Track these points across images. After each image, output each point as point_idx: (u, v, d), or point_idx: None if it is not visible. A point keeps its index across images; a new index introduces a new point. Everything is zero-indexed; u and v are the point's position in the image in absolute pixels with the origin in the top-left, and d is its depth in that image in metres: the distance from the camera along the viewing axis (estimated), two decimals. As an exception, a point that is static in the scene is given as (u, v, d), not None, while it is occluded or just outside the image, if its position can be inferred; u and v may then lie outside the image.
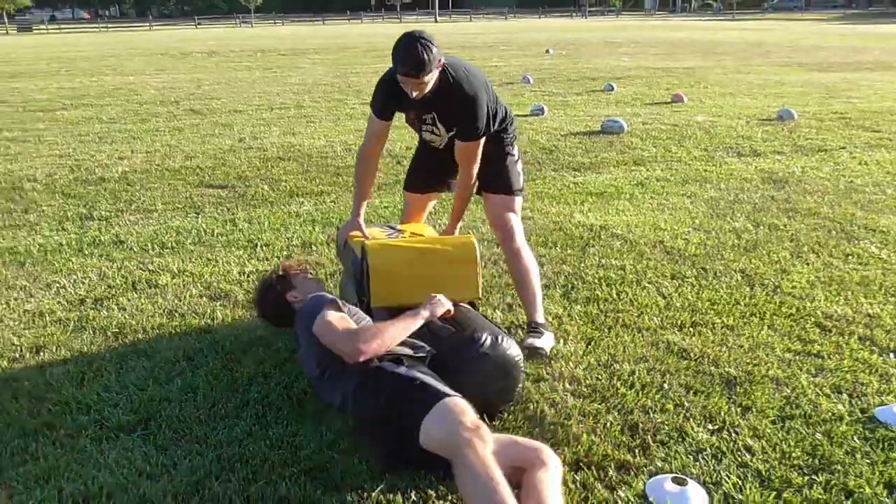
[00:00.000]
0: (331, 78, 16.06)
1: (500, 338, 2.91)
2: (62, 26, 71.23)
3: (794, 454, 2.64)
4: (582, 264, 4.57)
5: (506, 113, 3.62)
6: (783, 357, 3.37)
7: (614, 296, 4.08)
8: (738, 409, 2.95)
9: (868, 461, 2.59)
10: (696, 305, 3.96)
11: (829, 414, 2.89)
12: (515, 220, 3.64)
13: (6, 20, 66.88)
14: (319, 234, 5.24)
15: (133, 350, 3.46)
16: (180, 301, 4.08)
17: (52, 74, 18.60)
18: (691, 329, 3.67)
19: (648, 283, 4.28)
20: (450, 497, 2.38)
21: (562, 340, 3.55)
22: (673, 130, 9.29)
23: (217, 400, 3.01)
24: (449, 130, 3.43)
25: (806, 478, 2.51)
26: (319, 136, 9.03)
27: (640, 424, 2.84)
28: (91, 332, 3.71)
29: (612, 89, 13.49)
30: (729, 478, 2.51)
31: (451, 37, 33.83)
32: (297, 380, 3.14)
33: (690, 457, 2.64)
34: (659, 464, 2.60)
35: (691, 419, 2.88)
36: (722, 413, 2.92)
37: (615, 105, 11.70)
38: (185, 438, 2.72)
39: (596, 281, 4.30)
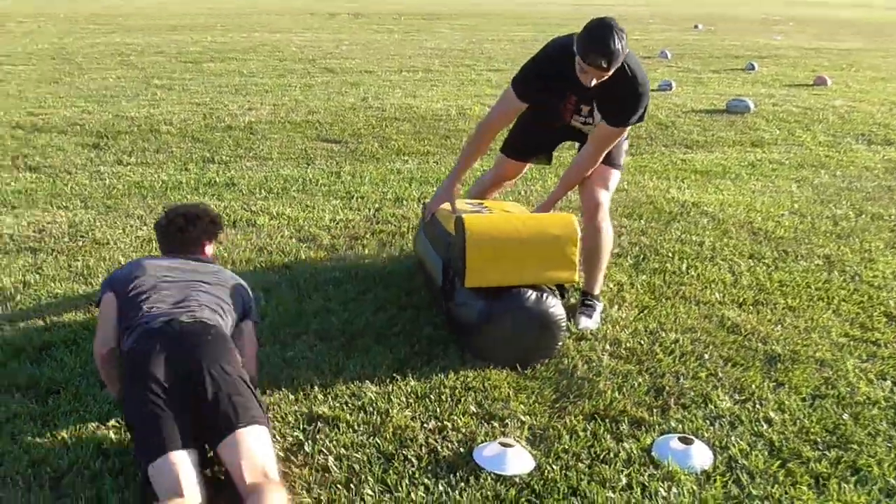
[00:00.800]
0: (465, 44, 16.21)
1: (544, 295, 3.03)
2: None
3: (812, 430, 2.68)
4: (661, 238, 4.60)
5: None
6: (836, 341, 3.35)
7: (683, 269, 4.12)
8: (771, 385, 2.99)
9: (888, 445, 2.58)
10: (763, 285, 3.95)
11: (865, 397, 2.89)
12: (606, 196, 3.54)
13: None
14: (413, 190, 5.47)
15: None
16: (271, 240, 4.43)
17: (208, 29, 19.67)
18: (751, 307, 3.69)
19: (722, 260, 4.29)
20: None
21: (616, 306, 3.64)
22: (804, 114, 8.95)
23: (280, 327, 3.31)
24: (604, 118, 3.31)
25: (817, 453, 2.54)
26: (438, 100, 9.25)
27: (667, 388, 2.93)
28: None
29: (753, 69, 13.02)
30: (738, 443, 2.58)
31: (597, 8, 33.13)
32: (357, 317, 3.39)
33: (707, 421, 2.72)
34: (673, 424, 2.69)
35: (719, 388, 2.94)
36: (752, 386, 2.97)
37: (750, 85, 11.33)
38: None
39: (669, 254, 4.34)
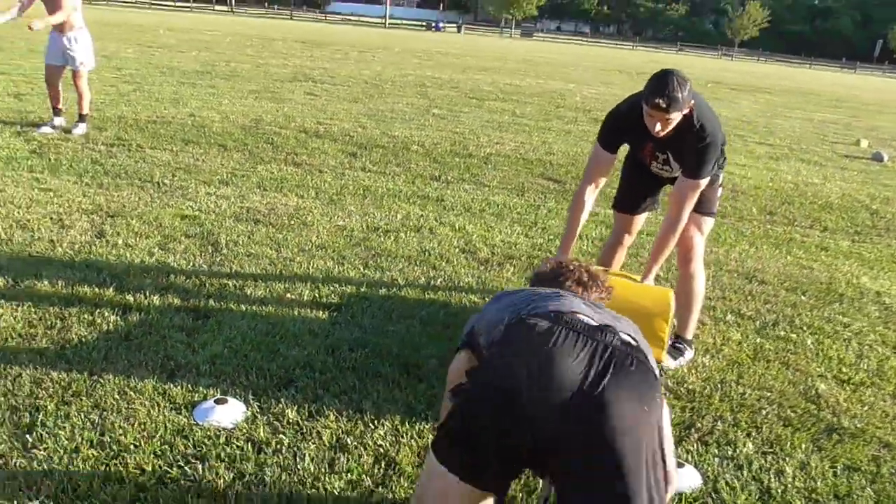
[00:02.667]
0: (755, 116, 15.88)
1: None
2: (558, 36, 77.71)
3: (818, 491, 2.73)
4: (809, 313, 4.55)
5: (724, 142, 3.61)
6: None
7: (806, 343, 4.10)
8: (811, 447, 3.02)
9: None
10: (881, 370, 3.85)
11: (901, 481, 2.85)
12: (699, 241, 3.67)
13: (512, 27, 75.56)
14: (600, 232, 5.82)
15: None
16: (438, 245, 5.08)
17: (515, 73, 21.12)
18: (850, 385, 3.64)
19: (858, 343, 4.19)
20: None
21: (710, 356, 3.79)
22: None
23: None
24: (681, 166, 3.44)
25: None
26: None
27: (698, 425, 3.10)
28: (366, 249, 4.90)
29: None
30: (730, 480, 2.72)
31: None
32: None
33: (715, 458, 2.88)
34: (681, 453, 2.89)
35: (752, 437, 3.05)
36: (789, 443, 3.03)
37: None
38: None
39: (803, 327, 4.32)
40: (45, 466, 2.52)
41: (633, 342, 1.92)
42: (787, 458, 2.93)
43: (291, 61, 18.88)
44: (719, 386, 3.48)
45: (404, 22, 75.32)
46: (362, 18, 74.76)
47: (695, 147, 3.32)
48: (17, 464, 2.52)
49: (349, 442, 2.78)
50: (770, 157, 10.42)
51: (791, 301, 4.72)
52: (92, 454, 2.61)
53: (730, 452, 2.92)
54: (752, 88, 24.71)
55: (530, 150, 8.98)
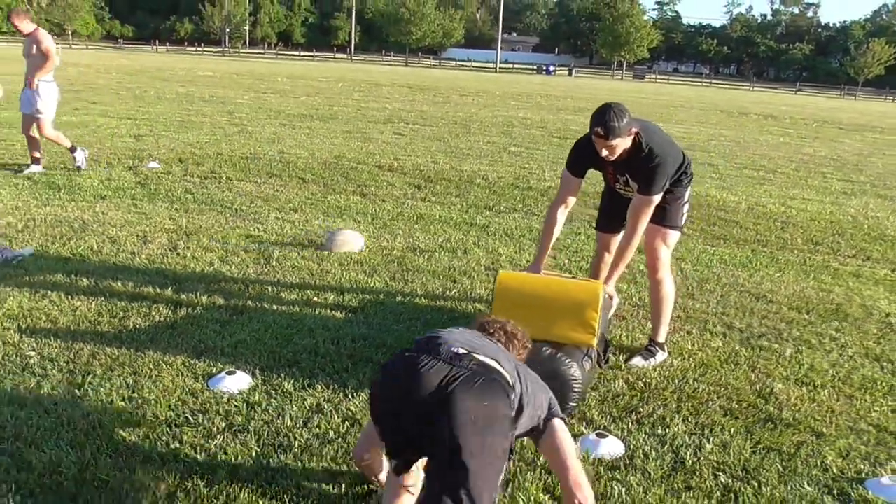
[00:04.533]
0: (852, 155, 15.66)
1: (560, 355, 3.31)
2: (673, 78, 77.10)
3: (728, 464, 3.11)
4: (801, 328, 4.79)
5: (684, 162, 4.07)
6: (857, 427, 3.53)
7: (785, 353, 4.38)
8: (741, 430, 3.37)
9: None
10: (848, 377, 4.09)
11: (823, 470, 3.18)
12: (664, 252, 4.06)
13: (623, 69, 75.63)
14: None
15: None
16: (464, 263, 5.63)
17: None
18: (810, 387, 3.90)
19: (838, 354, 4.43)
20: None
21: (681, 358, 4.17)
22: None
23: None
24: (638, 187, 3.81)
25: (711, 479, 3.01)
26: (773, 200, 9.55)
27: (641, 410, 3.51)
28: (399, 265, 5.57)
29: None
30: (648, 450, 3.14)
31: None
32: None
33: (645, 436, 3.29)
34: (613, 430, 3.32)
35: (687, 421, 3.43)
36: (719, 427, 3.39)
37: None
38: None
39: (789, 339, 4.59)
40: (84, 411, 3.19)
41: (491, 364, 2.31)
42: (712, 438, 3.28)
43: (391, 105, 19.92)
44: (676, 382, 3.84)
45: (516, 66, 76.62)
46: (475, 64, 76.52)
47: (645, 167, 3.75)
48: (64, 409, 3.21)
49: (326, 407, 3.35)
50: (843, 192, 10.44)
51: (790, 318, 4.98)
52: (121, 405, 3.27)
53: (659, 431, 3.31)
54: (861, 128, 24.11)
55: (590, 185, 9.37)
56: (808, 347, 4.46)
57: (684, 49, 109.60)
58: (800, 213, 8.49)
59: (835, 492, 2.96)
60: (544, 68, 68.29)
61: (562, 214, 3.99)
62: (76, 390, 3.38)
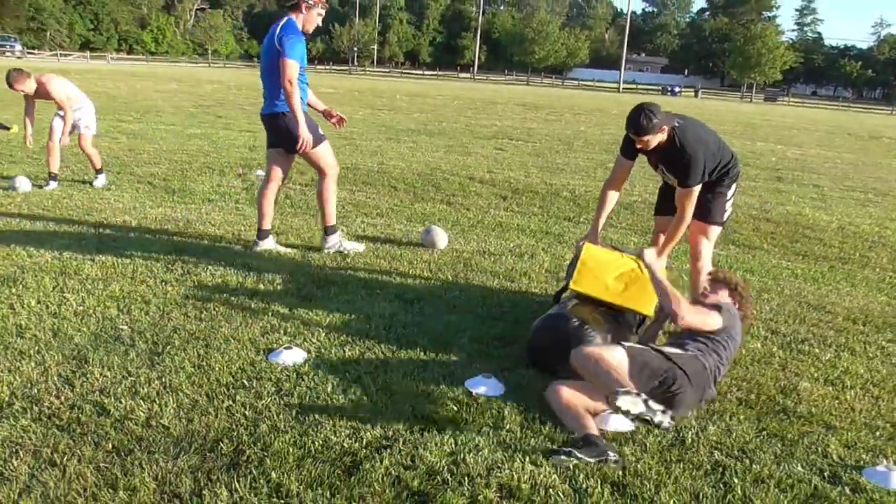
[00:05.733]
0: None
1: (587, 327, 3.88)
2: (808, 101, 74.19)
3: (727, 443, 3.33)
4: (850, 336, 4.84)
5: (731, 160, 4.45)
6: (873, 425, 3.65)
7: (820, 354, 4.49)
8: (750, 419, 3.56)
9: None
10: (883, 381, 4.18)
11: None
12: (706, 246, 4.53)
13: (753, 91, 73.49)
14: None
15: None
16: (527, 266, 5.94)
17: (722, 133, 21.15)
18: (838, 387, 4.03)
19: (881, 361, 4.49)
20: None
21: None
22: None
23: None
24: (675, 178, 4.36)
25: (706, 456, 3.23)
26: (870, 222, 9.41)
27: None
28: (465, 266, 5.94)
29: None
30: (651, 429, 3.39)
31: None
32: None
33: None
34: None
35: (699, 409, 3.65)
36: (729, 416, 3.58)
37: None
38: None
39: (833, 345, 4.69)
40: (159, 374, 3.72)
41: None
42: (719, 423, 3.48)
43: (501, 122, 20.36)
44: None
45: (640, 87, 75.73)
46: (600, 84, 76.15)
47: (678, 161, 4.19)
48: (143, 371, 3.75)
49: (365, 379, 3.75)
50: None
51: (842, 327, 5.03)
52: (190, 370, 3.78)
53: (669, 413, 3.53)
54: None
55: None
56: (850, 353, 4.53)
57: (825, 71, 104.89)
58: (894, 235, 8.32)
59: (826, 474, 3.10)
60: (669, 89, 67.21)
61: (613, 194, 4.55)
62: (156, 357, 3.91)
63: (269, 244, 5.94)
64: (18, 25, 75.15)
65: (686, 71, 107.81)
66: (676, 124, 4.17)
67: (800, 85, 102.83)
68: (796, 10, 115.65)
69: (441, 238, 6.30)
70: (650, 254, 4.13)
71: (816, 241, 7.72)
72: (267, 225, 5.94)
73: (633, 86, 76.18)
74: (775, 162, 14.89)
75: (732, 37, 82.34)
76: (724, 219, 4.57)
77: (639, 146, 4.17)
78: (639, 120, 4.02)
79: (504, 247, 6.54)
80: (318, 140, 5.62)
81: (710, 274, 4.15)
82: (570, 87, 69.66)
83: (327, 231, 5.99)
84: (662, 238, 4.63)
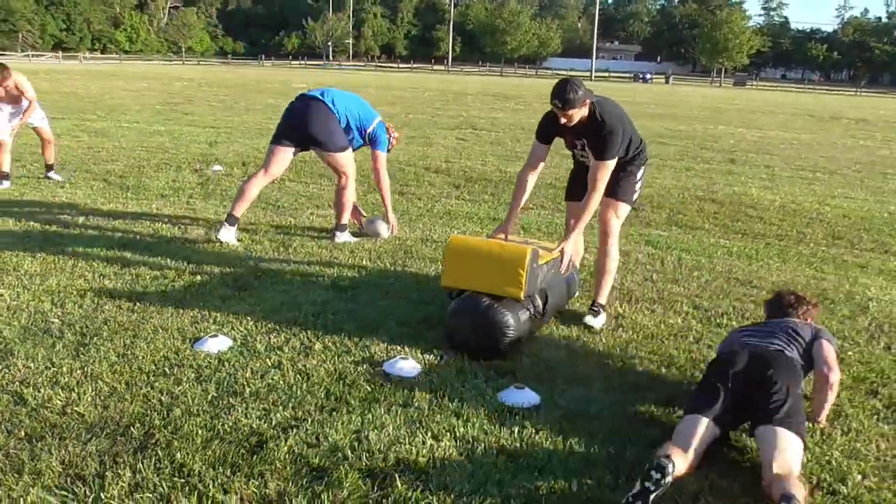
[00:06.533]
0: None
1: (496, 305, 3.91)
2: (778, 85, 74.73)
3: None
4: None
5: (640, 143, 4.59)
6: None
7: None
8: (655, 396, 3.69)
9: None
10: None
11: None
12: (615, 223, 4.60)
13: (722, 76, 74.01)
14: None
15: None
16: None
17: (683, 119, 21.39)
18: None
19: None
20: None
21: (629, 330, 4.49)
22: None
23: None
24: (592, 152, 4.46)
25: (582, 424, 3.35)
26: (812, 199, 9.58)
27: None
28: (405, 253, 5.97)
29: None
30: (559, 397, 3.50)
31: None
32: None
33: (563, 386, 3.65)
34: (541, 388, 3.69)
35: (607, 386, 3.78)
36: (642, 390, 3.72)
37: None
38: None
39: (750, 317, 4.83)
40: (82, 363, 3.78)
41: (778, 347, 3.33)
42: (629, 395, 3.61)
43: (467, 112, 20.46)
44: (617, 350, 4.17)
45: (612, 75, 76.00)
46: (572, 73, 76.31)
47: (598, 134, 4.28)
48: (66, 361, 3.81)
49: (285, 365, 3.85)
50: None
51: (764, 301, 5.15)
52: (114, 359, 3.85)
53: (576, 389, 3.65)
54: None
55: (684, 193, 9.59)
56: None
57: (792, 55, 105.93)
58: (832, 211, 8.52)
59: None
60: (641, 76, 67.54)
61: (531, 178, 4.57)
62: (81, 348, 3.97)
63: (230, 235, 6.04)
64: None
65: (658, 58, 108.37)
66: (595, 99, 4.29)
67: (769, 69, 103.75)
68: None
69: (383, 228, 6.39)
70: (568, 248, 4.26)
71: (757, 220, 7.88)
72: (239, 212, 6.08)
73: (606, 74, 76.42)
74: (732, 145, 15.09)
75: (701, 23, 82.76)
76: (634, 198, 4.65)
77: (563, 120, 4.19)
78: (565, 92, 4.07)
79: (447, 234, 6.62)
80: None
81: (804, 303, 3.90)
82: (543, 76, 69.82)
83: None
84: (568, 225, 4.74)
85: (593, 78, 67.61)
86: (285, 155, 6.04)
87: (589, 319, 4.49)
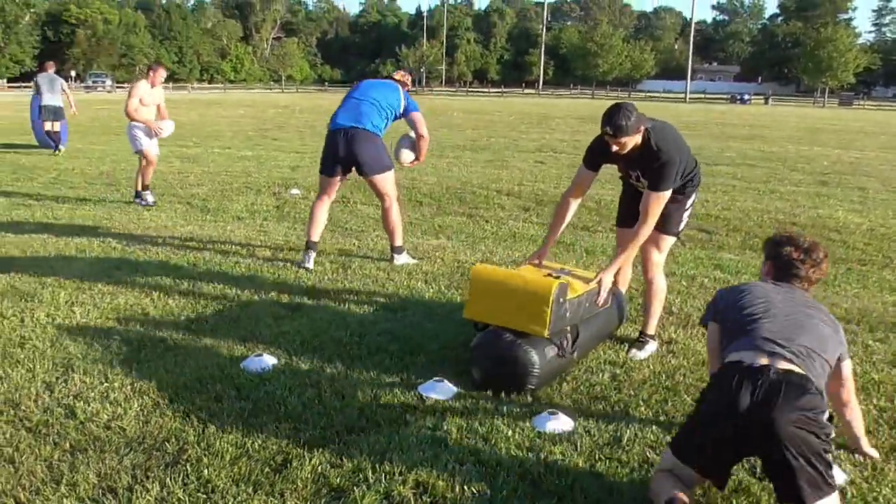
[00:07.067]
0: None
1: (520, 341, 3.68)
2: (884, 104, 71.49)
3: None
4: (867, 347, 4.69)
5: (694, 168, 4.32)
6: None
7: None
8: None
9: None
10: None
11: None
12: (656, 256, 4.37)
13: (826, 95, 71.38)
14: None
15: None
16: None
17: (774, 140, 20.72)
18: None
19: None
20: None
21: (682, 356, 4.36)
22: None
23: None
24: (648, 182, 4.09)
25: (633, 454, 3.27)
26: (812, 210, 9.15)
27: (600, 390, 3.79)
28: (462, 276, 5.97)
29: None
30: (595, 424, 3.43)
31: None
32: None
33: (603, 413, 3.58)
34: (577, 415, 3.63)
35: (652, 414, 3.68)
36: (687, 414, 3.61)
37: None
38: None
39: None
40: (135, 377, 3.93)
41: (790, 368, 2.62)
42: (662, 421, 3.50)
43: (550, 136, 20.39)
44: (662, 377, 4.04)
45: (708, 96, 74.41)
46: (669, 95, 75.15)
47: (654, 164, 4.05)
48: (119, 378, 3.96)
49: (323, 385, 3.89)
50: None
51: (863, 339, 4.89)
52: (162, 375, 3.99)
53: (614, 414, 3.57)
54: None
55: (710, 207, 9.37)
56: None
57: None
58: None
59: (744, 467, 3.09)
60: (739, 97, 65.87)
61: (573, 205, 4.41)
62: (135, 364, 4.13)
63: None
64: (112, 63, 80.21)
65: (759, 78, 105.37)
66: (650, 125, 4.05)
67: (880, 87, 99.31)
68: (874, 10, 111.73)
69: (405, 154, 6.32)
70: (607, 279, 4.12)
71: (840, 244, 7.55)
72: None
73: (701, 95, 74.84)
74: (826, 166, 14.51)
75: (804, 41, 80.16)
76: (680, 229, 4.40)
77: (615, 148, 3.94)
78: (617, 119, 3.81)
79: (508, 256, 6.60)
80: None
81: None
82: (635, 98, 68.85)
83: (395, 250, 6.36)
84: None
85: (688, 99, 66.36)
86: (336, 180, 6.24)
87: (634, 353, 4.34)
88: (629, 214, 4.45)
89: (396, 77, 6.43)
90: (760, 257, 6.80)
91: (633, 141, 3.93)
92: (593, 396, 3.79)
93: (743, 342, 2.78)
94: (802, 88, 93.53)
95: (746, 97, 66.48)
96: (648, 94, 76.63)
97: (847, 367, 2.97)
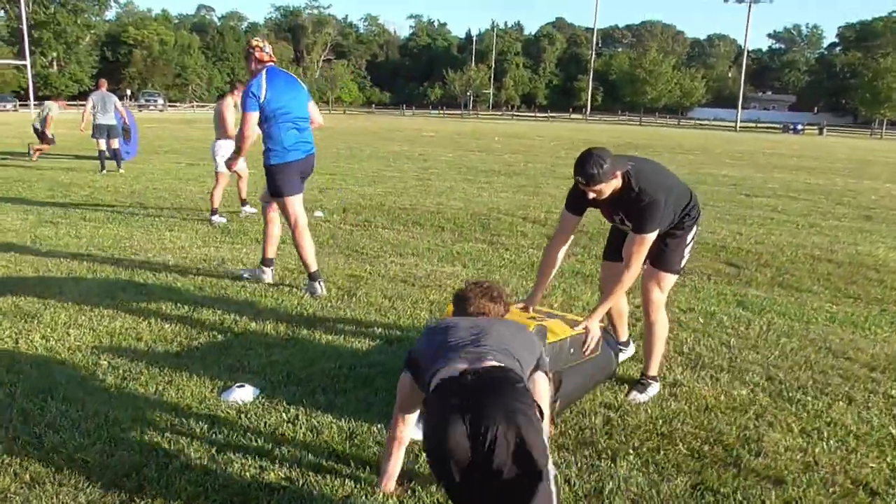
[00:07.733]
0: None
1: None
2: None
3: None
4: (855, 384, 4.48)
5: (690, 199, 4.09)
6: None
7: (803, 403, 4.17)
8: (688, 477, 3.34)
9: None
10: (842, 424, 3.84)
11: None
12: (657, 296, 4.13)
13: (884, 127, 69.74)
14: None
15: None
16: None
17: (822, 171, 20.22)
18: (790, 432, 3.74)
19: (858, 407, 4.14)
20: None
21: (683, 400, 4.12)
22: None
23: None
24: (631, 225, 3.93)
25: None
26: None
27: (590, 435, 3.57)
28: None
29: None
30: (577, 473, 3.22)
31: None
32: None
33: (588, 461, 3.36)
34: (561, 463, 3.41)
35: (641, 464, 3.45)
36: (678, 467, 3.38)
37: None
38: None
39: (830, 394, 4.34)
40: (107, 409, 3.82)
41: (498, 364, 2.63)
42: (648, 474, 3.26)
43: (590, 162, 20.07)
44: (659, 422, 3.80)
45: (760, 125, 73.32)
46: (717, 123, 74.27)
47: (636, 207, 3.84)
48: (95, 407, 3.86)
49: (301, 418, 3.74)
50: None
51: (854, 375, 4.62)
52: (140, 406, 3.87)
53: (600, 463, 3.35)
54: None
55: (743, 240, 9.07)
56: (847, 402, 4.17)
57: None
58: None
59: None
60: (791, 127, 64.74)
61: (561, 252, 4.17)
62: (115, 392, 4.02)
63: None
64: (166, 83, 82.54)
65: (815, 108, 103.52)
66: (629, 167, 3.83)
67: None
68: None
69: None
70: (594, 326, 3.92)
71: (877, 283, 7.18)
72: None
73: (753, 124, 73.74)
74: (873, 201, 14.01)
75: (862, 72, 78.52)
76: (681, 266, 4.18)
77: (592, 196, 3.78)
78: (588, 168, 3.66)
79: (522, 286, 6.40)
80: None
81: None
82: (685, 126, 68.17)
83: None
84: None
85: (738, 128, 65.47)
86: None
87: (634, 396, 4.11)
88: (616, 248, 4.28)
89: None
90: (790, 295, 6.62)
91: (610, 187, 3.76)
92: (581, 442, 3.57)
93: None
94: (860, 120, 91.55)
95: (799, 127, 65.27)
96: (698, 121, 75.66)
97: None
